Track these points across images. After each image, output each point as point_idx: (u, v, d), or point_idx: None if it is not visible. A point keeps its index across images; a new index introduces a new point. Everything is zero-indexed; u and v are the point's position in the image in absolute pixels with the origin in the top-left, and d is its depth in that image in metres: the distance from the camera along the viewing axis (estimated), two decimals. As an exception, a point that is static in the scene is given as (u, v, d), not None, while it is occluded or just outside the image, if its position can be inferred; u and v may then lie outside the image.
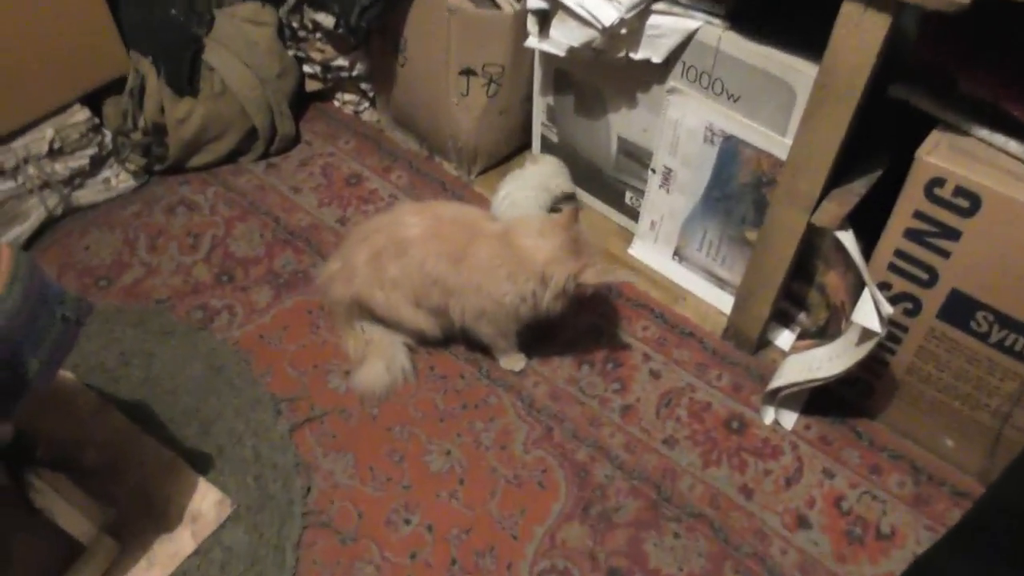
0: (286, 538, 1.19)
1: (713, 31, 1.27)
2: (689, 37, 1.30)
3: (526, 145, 1.69)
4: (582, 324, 1.47)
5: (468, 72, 1.54)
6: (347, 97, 1.82)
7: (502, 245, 1.25)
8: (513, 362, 1.41)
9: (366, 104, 1.81)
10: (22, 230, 1.54)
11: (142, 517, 1.21)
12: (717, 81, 1.31)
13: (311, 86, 1.80)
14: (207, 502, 1.23)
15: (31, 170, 1.52)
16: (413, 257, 1.29)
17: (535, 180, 1.56)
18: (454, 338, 1.41)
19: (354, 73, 1.74)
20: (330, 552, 1.19)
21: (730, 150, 1.36)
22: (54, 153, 1.54)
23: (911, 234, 1.13)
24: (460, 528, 1.21)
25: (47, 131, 1.52)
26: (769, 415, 1.36)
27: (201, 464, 1.27)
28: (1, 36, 1.41)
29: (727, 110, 1.33)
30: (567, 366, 1.41)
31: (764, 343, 1.46)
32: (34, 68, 1.46)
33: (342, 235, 1.59)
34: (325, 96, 1.84)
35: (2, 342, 0.80)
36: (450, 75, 1.55)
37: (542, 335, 1.42)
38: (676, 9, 1.29)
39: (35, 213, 1.55)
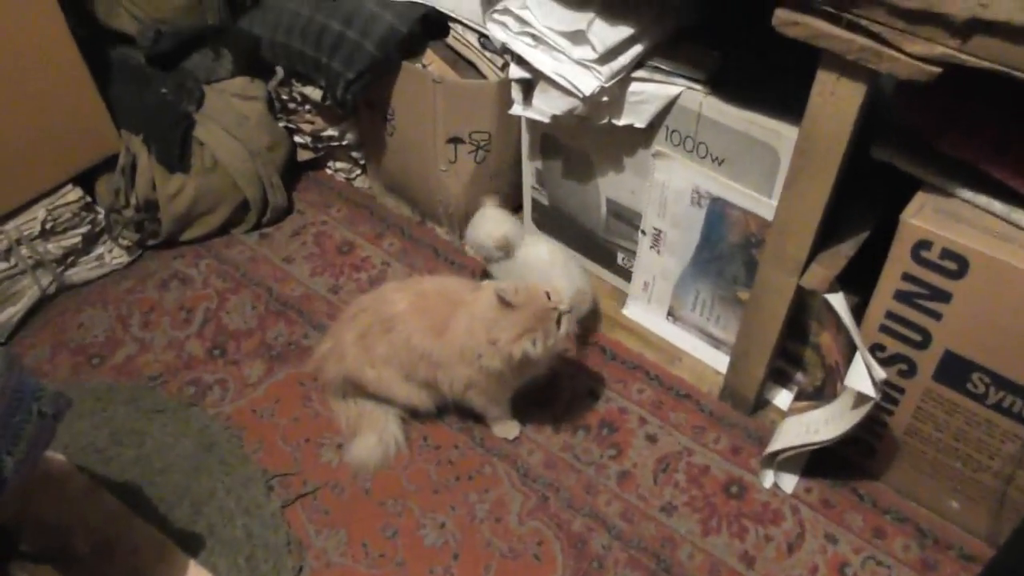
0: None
1: (695, 96, 1.28)
2: (671, 103, 1.30)
3: (519, 207, 1.70)
4: (577, 387, 1.45)
5: (456, 140, 1.55)
6: (339, 165, 1.83)
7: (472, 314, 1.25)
8: (507, 430, 1.39)
9: (358, 171, 1.82)
10: (15, 310, 1.54)
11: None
12: (701, 145, 1.31)
13: (303, 155, 1.82)
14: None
15: (24, 251, 1.52)
16: (399, 333, 1.28)
17: (474, 234, 1.53)
18: (447, 409, 1.39)
19: (344, 142, 1.75)
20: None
21: (717, 211, 1.35)
22: (46, 233, 1.55)
23: (901, 296, 1.11)
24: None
25: (39, 212, 1.53)
26: (768, 478, 1.34)
27: (192, 546, 1.24)
28: (-7, 121, 1.44)
29: (712, 173, 1.33)
30: (562, 432, 1.39)
31: (762, 403, 1.43)
32: (25, 151, 1.48)
33: (335, 304, 1.59)
34: (318, 165, 1.86)
35: None
36: (438, 143, 1.56)
37: (535, 401, 1.41)
38: (657, 76, 1.30)
39: (28, 293, 1.56)
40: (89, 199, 1.61)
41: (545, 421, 1.41)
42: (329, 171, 1.87)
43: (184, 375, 1.48)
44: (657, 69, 1.30)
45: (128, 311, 1.58)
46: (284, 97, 1.70)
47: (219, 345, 1.53)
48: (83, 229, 1.60)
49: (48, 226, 1.55)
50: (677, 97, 1.30)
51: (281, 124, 1.75)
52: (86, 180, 1.61)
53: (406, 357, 1.29)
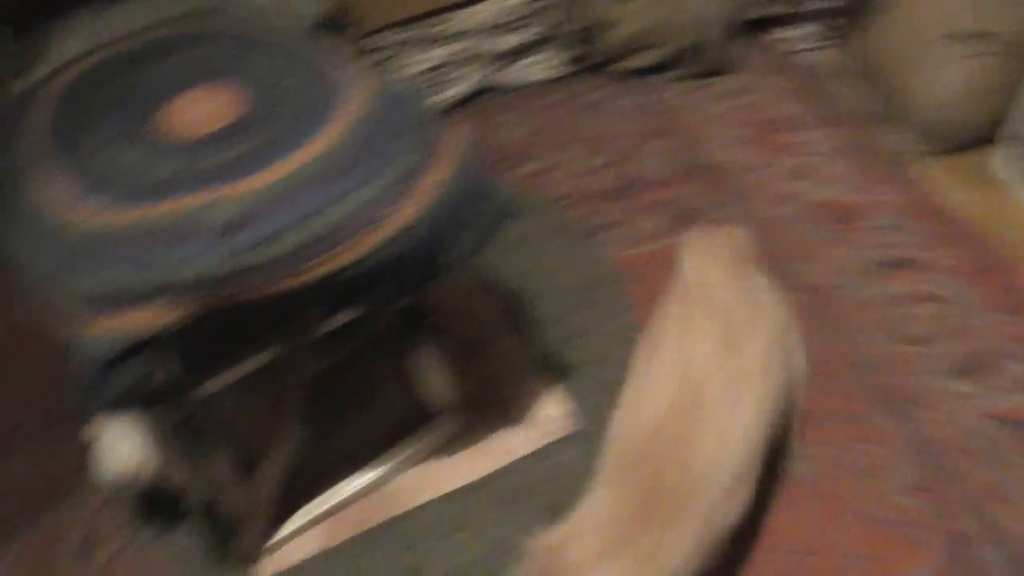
0: (616, 478, 1.17)
1: None
2: None
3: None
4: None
5: (961, 37, 1.29)
6: (797, 33, 1.65)
7: None
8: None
9: (820, 44, 1.63)
10: (447, 96, 1.61)
11: (488, 406, 1.22)
12: None
13: (754, 13, 1.65)
14: (553, 412, 1.21)
15: (467, 43, 1.57)
16: None
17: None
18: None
19: (823, 5, 1.55)
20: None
21: None
22: (493, 29, 1.57)
23: None
24: (803, 548, 1.07)
25: (491, 6, 1.55)
26: None
27: (557, 372, 1.25)
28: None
29: None
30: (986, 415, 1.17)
31: None
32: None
33: (749, 184, 1.45)
34: (771, 28, 1.69)
35: (434, 224, 0.80)
36: (938, 38, 1.32)
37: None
38: None
39: (463, 83, 1.61)
40: (538, 4, 1.61)
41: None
42: (783, 38, 1.69)
43: (587, 206, 1.45)
44: None
45: (547, 126, 1.58)
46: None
47: (626, 186, 1.48)
48: (525, 34, 1.61)
49: (496, 22, 1.58)
50: None
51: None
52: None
53: None
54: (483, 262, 1.38)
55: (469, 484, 1.16)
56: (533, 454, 1.17)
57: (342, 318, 0.95)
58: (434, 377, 1.12)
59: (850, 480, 1.13)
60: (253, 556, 1.10)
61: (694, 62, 1.61)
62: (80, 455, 1.22)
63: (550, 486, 1.15)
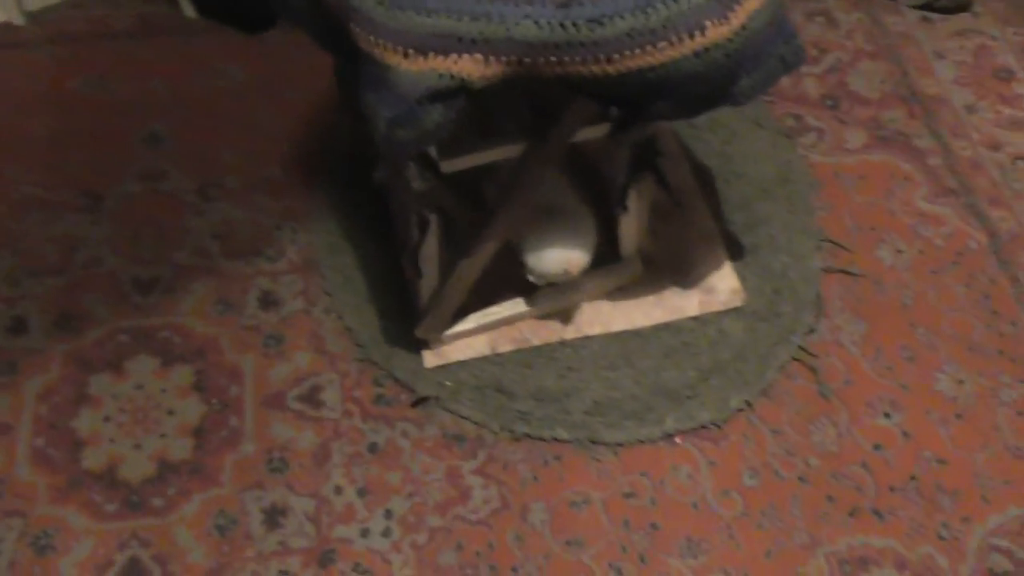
0: (773, 356, 1.20)
1: None
2: None
3: None
4: None
5: None
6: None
7: None
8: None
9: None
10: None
11: (669, 264, 1.28)
12: None
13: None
14: (724, 284, 1.27)
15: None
16: None
17: None
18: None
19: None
20: (803, 393, 1.18)
21: None
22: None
23: None
24: (933, 455, 1.13)
25: None
26: None
27: (735, 251, 1.30)
28: None
29: None
30: None
31: None
32: None
33: (962, 124, 1.44)
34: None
35: (743, 46, 0.83)
36: None
37: None
38: None
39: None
40: None
41: None
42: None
43: (791, 107, 1.47)
44: None
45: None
46: None
47: (834, 97, 1.49)
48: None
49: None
50: None
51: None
52: None
53: None
54: (683, 132, 1.43)
55: (636, 329, 1.24)
56: (699, 318, 1.24)
57: (598, 131, 0.99)
58: (634, 221, 1.18)
59: (1005, 413, 1.18)
60: (430, 341, 1.20)
61: (934, -8, 1.59)
62: (285, 217, 1.35)
63: (708, 349, 1.22)
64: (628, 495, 1.12)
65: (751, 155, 1.40)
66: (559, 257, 1.14)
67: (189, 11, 1.59)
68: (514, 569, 1.06)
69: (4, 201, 1.37)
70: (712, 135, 1.42)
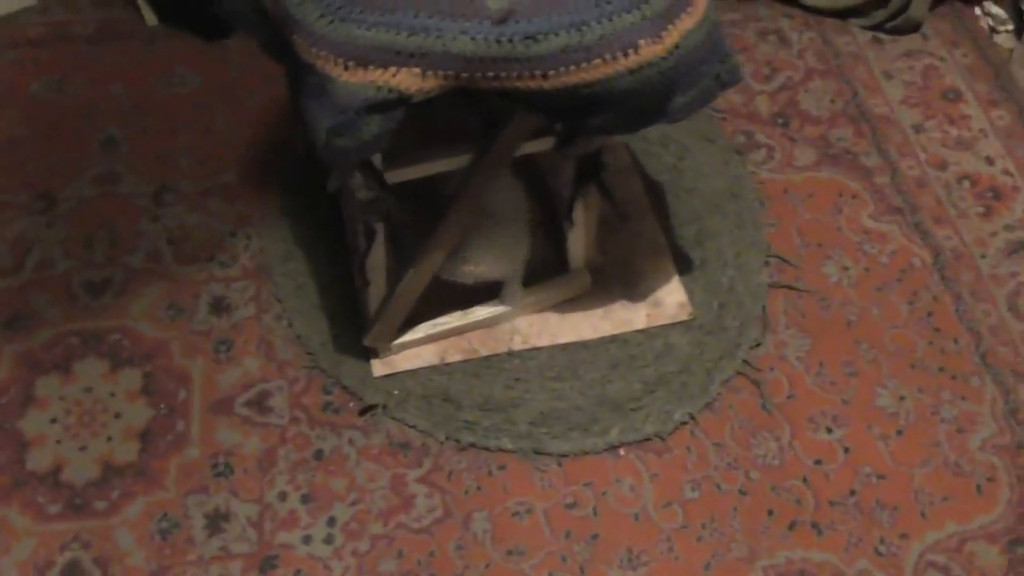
0: (718, 370, 1.22)
1: None
2: None
3: None
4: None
5: None
6: (993, 11, 1.63)
7: None
8: None
9: (1011, 28, 1.62)
10: None
11: (617, 277, 1.30)
12: None
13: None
14: (671, 298, 1.28)
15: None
16: None
17: None
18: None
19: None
20: (746, 407, 1.20)
21: None
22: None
23: None
24: (873, 471, 1.15)
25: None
26: None
27: (684, 265, 1.32)
28: None
29: None
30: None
31: None
32: None
33: (910, 144, 1.47)
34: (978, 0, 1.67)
35: (677, 65, 0.85)
36: None
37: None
38: None
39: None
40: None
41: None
42: (977, 12, 1.67)
43: (742, 123, 1.50)
44: None
45: (746, 39, 1.61)
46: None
47: (784, 115, 1.51)
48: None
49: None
50: None
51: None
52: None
53: None
54: (636, 147, 1.45)
55: (583, 341, 1.25)
56: (646, 331, 1.26)
57: (543, 144, 1.01)
58: (581, 233, 1.19)
59: (945, 430, 1.20)
60: (378, 348, 1.20)
61: (885, 14, 1.60)
62: (239, 222, 1.35)
63: (655, 362, 1.23)
64: (570, 505, 1.13)
65: (702, 170, 1.42)
66: (478, 260, 1.16)
67: (150, 17, 1.59)
68: (455, 577, 1.08)
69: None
70: (664, 150, 1.44)
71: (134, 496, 1.11)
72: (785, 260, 1.34)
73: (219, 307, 1.27)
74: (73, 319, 1.26)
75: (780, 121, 1.51)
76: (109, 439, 1.16)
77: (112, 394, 1.19)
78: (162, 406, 1.19)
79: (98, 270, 1.30)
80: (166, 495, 1.12)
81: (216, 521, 1.10)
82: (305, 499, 1.12)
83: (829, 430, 1.19)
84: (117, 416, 1.17)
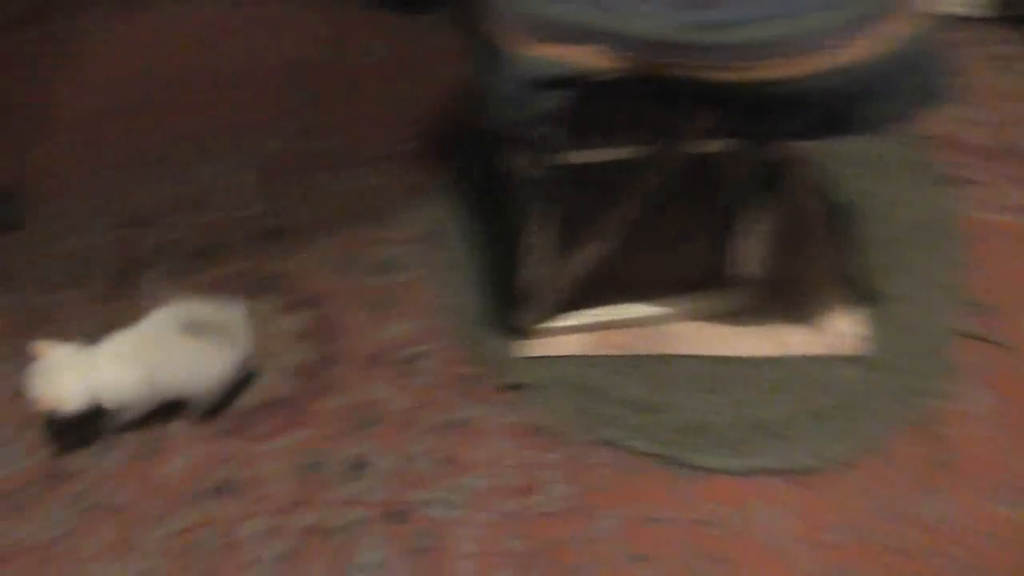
0: (888, 413, 1.13)
1: None
2: None
3: None
4: None
5: None
6: None
7: None
8: None
9: None
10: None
11: (785, 297, 1.23)
12: None
13: None
14: (847, 328, 1.20)
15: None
16: None
17: None
18: None
19: None
20: (915, 459, 1.10)
21: None
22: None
23: None
24: None
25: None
26: None
27: (864, 295, 1.23)
28: None
29: None
30: None
31: None
32: None
33: None
34: None
35: (877, 72, 0.78)
36: None
37: None
38: None
39: None
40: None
41: None
42: None
43: (953, 154, 1.39)
44: None
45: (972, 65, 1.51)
46: None
47: (1004, 150, 1.39)
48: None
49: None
50: None
51: None
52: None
53: None
54: (829, 166, 1.37)
55: (739, 357, 1.20)
56: (811, 358, 1.18)
57: (719, 144, 0.98)
58: (753, 246, 1.14)
59: None
60: (528, 331, 1.21)
61: None
62: (415, 190, 1.40)
63: (816, 393, 1.16)
64: (704, 522, 1.08)
65: (900, 198, 1.33)
66: None
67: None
68: (575, 569, 1.05)
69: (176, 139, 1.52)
70: (861, 172, 1.35)
71: (286, 430, 1.17)
72: (981, 307, 1.22)
73: (386, 267, 1.32)
74: (252, 258, 1.34)
75: (999, 156, 1.39)
76: (272, 373, 1.23)
77: (278, 333, 1.27)
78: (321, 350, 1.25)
79: (279, 218, 1.39)
80: (314, 433, 1.16)
81: (355, 468, 1.13)
82: (440, 462, 1.13)
83: (1014, 504, 1.08)
84: (281, 354, 1.25)
